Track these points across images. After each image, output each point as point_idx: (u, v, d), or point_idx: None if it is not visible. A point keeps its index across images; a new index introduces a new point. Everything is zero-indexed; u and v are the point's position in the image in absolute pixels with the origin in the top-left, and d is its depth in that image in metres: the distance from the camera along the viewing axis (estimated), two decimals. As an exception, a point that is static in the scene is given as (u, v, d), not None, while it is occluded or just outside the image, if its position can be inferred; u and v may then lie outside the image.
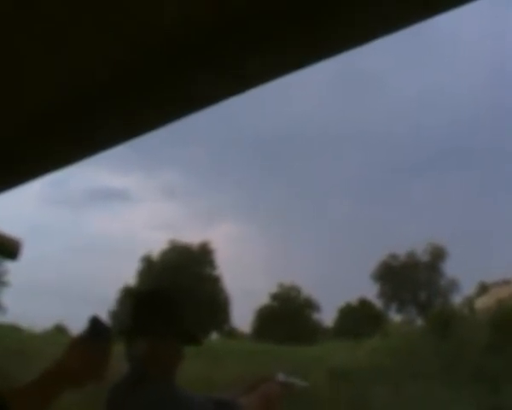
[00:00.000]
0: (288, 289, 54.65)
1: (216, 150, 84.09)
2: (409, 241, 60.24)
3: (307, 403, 18.68)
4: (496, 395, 20.67)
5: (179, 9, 1.44)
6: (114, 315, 45.70)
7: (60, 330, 30.33)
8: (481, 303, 40.43)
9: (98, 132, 1.99)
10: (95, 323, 1.84)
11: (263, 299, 54.27)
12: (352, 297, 56.00)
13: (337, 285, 65.64)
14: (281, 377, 2.86)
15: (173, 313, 2.54)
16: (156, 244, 61.81)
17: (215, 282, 51.60)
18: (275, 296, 54.32)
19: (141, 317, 2.53)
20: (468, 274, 59.38)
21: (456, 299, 54.44)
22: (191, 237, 54.16)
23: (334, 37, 1.42)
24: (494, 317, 28.19)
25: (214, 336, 45.87)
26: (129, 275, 50.24)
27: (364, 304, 55.55)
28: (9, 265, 42.76)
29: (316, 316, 54.35)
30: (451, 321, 28.08)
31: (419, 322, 42.97)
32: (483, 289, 50.41)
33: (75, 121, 1.96)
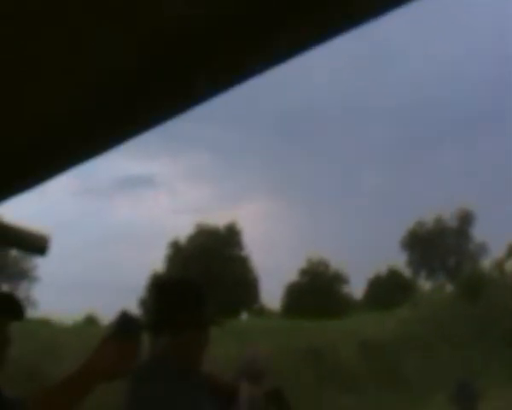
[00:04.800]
0: (316, 264, 54.58)
1: (240, 131, 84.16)
2: (436, 207, 59.86)
3: (340, 377, 18.77)
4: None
5: (179, 4, 1.45)
6: (144, 303, 46.02)
7: (90, 321, 30.66)
8: (511, 265, 40.07)
9: (111, 129, 2.03)
10: (124, 318, 1.85)
11: (292, 276, 54.39)
12: (380, 268, 55.91)
13: (365, 257, 65.55)
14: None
15: (197, 302, 2.51)
16: (184, 229, 62.07)
17: (243, 262, 51.70)
18: (303, 272, 54.31)
19: (164, 308, 2.52)
20: (497, 237, 58.83)
21: (486, 262, 53.97)
22: (218, 218, 54.12)
23: (336, 17, 1.41)
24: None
25: (244, 316, 45.98)
26: (157, 262, 50.52)
27: (393, 273, 55.29)
28: (38, 260, 43.34)
29: (345, 289, 54.30)
30: (481, 285, 27.89)
31: (449, 288, 42.70)
32: (512, 251, 49.91)
33: (91, 120, 2.00)
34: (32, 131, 2.17)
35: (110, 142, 2.12)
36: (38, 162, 2.38)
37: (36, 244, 3.09)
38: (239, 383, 2.68)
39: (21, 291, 46.81)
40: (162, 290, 2.68)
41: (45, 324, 20.93)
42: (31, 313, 36.31)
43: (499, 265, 46.74)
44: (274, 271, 65.04)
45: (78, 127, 2.08)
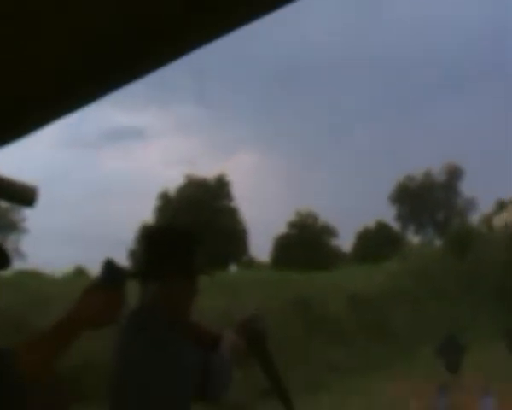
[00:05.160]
0: (305, 216, 54.76)
1: (231, 83, 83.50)
2: (425, 162, 60.06)
3: (328, 330, 18.88)
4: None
5: None
6: (134, 254, 46.08)
7: (80, 273, 30.57)
8: (499, 220, 40.30)
9: (105, 75, 1.98)
10: (109, 266, 1.84)
11: (281, 228, 54.54)
12: (369, 221, 56.14)
13: (354, 210, 65.76)
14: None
15: (186, 251, 2.51)
16: (173, 181, 61.86)
17: (232, 214, 51.72)
18: (292, 224, 54.48)
19: (154, 256, 2.50)
20: (486, 192, 59.18)
21: (474, 218, 54.34)
22: (209, 171, 54.06)
23: None
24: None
25: (233, 268, 46.15)
26: (147, 213, 50.48)
27: (382, 227, 55.55)
28: (27, 212, 43.16)
29: (334, 242, 54.56)
30: (470, 240, 28.03)
31: (437, 243, 42.95)
32: (501, 206, 50.17)
33: (86, 63, 1.95)
34: (17, 82, 2.10)
35: (97, 91, 2.07)
36: (24, 114, 2.31)
37: (24, 195, 3.03)
38: (223, 332, 2.65)
39: (10, 243, 46.72)
40: (152, 239, 2.65)
41: (34, 276, 20.82)
42: (19, 266, 36.26)
43: (487, 220, 47.05)
44: (263, 224, 65.17)
45: (65, 76, 2.02)
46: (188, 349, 2.44)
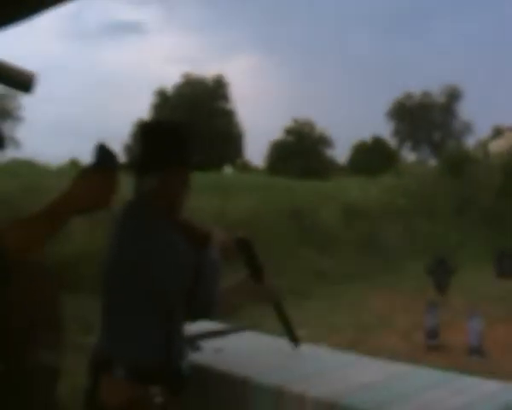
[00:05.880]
0: (301, 124, 54.42)
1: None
2: (425, 81, 59.64)
3: (319, 239, 19.04)
4: (505, 238, 20.94)
5: None
6: (129, 149, 45.94)
7: (75, 165, 30.42)
8: (495, 147, 40.20)
9: None
10: (101, 151, 1.82)
11: (277, 134, 54.29)
12: (366, 135, 55.95)
13: (352, 122, 65.64)
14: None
15: (182, 142, 2.56)
16: (171, 78, 61.10)
17: (229, 116, 51.31)
18: (288, 131, 54.20)
19: (150, 148, 2.55)
20: (484, 118, 59.02)
21: (470, 142, 54.24)
22: (208, 70, 53.23)
23: None
24: (507, 161, 28.10)
25: (228, 170, 46.11)
26: (143, 108, 49.98)
27: (378, 142, 55.38)
28: (24, 100, 42.53)
29: (329, 152, 54.44)
30: (465, 163, 28.03)
31: (432, 162, 42.96)
32: (497, 132, 50.03)
33: None
34: None
35: None
36: None
37: (21, 80, 3.04)
38: (212, 229, 2.71)
39: (5, 130, 46.17)
40: (148, 131, 2.69)
41: (29, 165, 20.66)
42: (14, 154, 36.00)
43: (483, 145, 46.94)
44: (260, 127, 64.94)
45: None
46: (181, 240, 2.49)
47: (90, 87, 69.19)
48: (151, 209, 2.48)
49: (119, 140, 48.34)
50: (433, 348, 10.08)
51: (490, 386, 2.59)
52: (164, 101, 50.36)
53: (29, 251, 1.73)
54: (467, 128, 59.90)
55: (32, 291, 3.18)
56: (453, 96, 60.44)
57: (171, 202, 2.55)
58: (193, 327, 2.97)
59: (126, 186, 2.38)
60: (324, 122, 69.12)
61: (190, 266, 2.46)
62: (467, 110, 59.89)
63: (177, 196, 2.57)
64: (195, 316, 2.66)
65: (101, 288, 2.54)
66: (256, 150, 55.07)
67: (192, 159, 2.60)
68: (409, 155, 58.71)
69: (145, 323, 2.42)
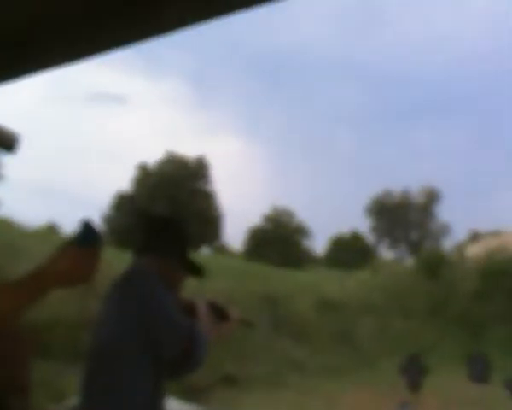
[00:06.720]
0: (280, 212, 54.77)
1: (221, 66, 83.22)
2: (404, 181, 60.63)
3: (293, 329, 18.85)
4: (479, 342, 20.90)
5: None
6: (108, 220, 45.77)
7: (51, 229, 30.20)
8: (471, 251, 40.57)
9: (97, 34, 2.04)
10: (86, 227, 1.83)
11: (256, 220, 54.53)
12: (344, 229, 56.31)
13: (330, 215, 66.02)
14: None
15: (183, 240, 2.83)
16: (153, 153, 61.63)
17: (209, 197, 51.49)
18: (267, 218, 54.48)
19: (154, 238, 2.76)
20: (461, 221, 59.75)
21: (448, 243, 54.73)
22: (190, 148, 53.84)
23: None
24: (483, 266, 28.30)
25: (205, 251, 45.92)
26: (123, 181, 50.11)
27: (356, 237, 55.78)
28: (7, 159, 42.48)
29: (306, 243, 54.63)
30: (441, 264, 28.21)
31: (409, 261, 43.20)
32: (474, 237, 50.60)
33: (76, 20, 1.98)
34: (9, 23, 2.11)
35: (86, 51, 2.12)
36: (14, 55, 2.32)
37: (5, 140, 3.07)
38: (195, 300, 2.92)
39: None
40: (154, 223, 2.90)
41: (7, 224, 20.45)
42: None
43: (460, 248, 47.39)
44: (239, 211, 65.12)
45: (62, 27, 2.04)
46: (177, 307, 2.64)
47: (71, 152, 69.55)
48: (150, 273, 2.61)
49: (96, 207, 48.32)
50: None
51: None
52: (145, 176, 50.52)
53: (8, 323, 1.77)
54: (444, 230, 60.56)
55: (2, 354, 3.10)
56: (432, 197, 61.36)
57: (167, 283, 2.66)
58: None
59: (107, 259, 2.33)
60: (304, 212, 69.57)
61: (186, 337, 2.55)
62: (445, 212, 60.69)
63: (171, 279, 2.73)
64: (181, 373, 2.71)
65: (88, 352, 2.55)
66: (234, 234, 55.18)
67: (189, 259, 2.82)
68: (386, 253, 59.16)
69: (134, 386, 2.46)
